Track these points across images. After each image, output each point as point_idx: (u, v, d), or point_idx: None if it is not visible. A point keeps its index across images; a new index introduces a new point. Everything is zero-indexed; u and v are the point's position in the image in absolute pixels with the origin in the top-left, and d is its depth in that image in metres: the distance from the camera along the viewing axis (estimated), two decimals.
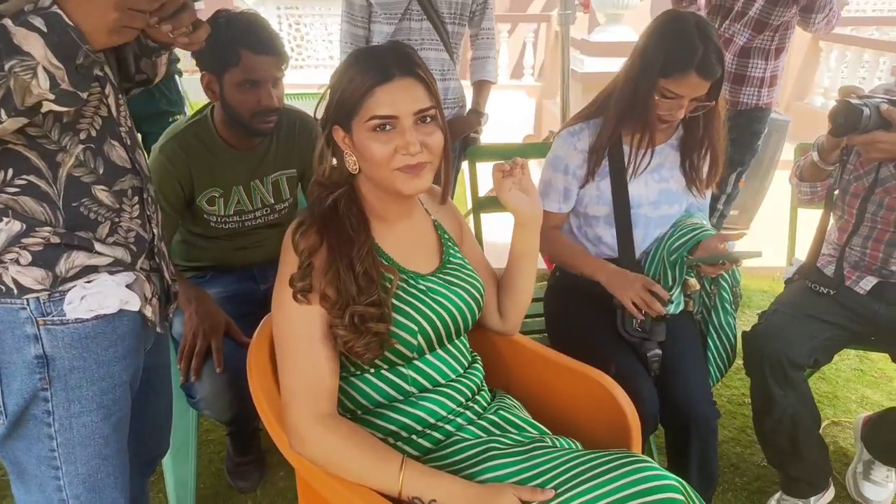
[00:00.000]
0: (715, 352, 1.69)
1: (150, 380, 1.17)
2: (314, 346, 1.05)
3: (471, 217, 2.11)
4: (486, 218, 2.13)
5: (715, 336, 1.69)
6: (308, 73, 6.09)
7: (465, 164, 2.31)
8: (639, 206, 1.64)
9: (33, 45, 0.80)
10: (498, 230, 2.38)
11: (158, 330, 1.12)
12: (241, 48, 1.54)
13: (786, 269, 2.01)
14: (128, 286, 1.03)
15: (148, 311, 1.06)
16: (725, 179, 3.01)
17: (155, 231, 1.10)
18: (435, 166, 1.11)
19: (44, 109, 0.86)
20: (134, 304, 1.03)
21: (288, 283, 1.06)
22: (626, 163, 1.61)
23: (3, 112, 0.82)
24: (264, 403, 1.12)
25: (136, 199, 1.05)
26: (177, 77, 2.52)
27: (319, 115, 1.13)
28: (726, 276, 1.63)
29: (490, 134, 2.55)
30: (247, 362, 1.20)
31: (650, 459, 1.05)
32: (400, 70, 1.06)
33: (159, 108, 2.41)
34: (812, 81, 5.89)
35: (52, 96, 0.83)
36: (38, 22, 0.80)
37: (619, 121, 1.58)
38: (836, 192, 1.79)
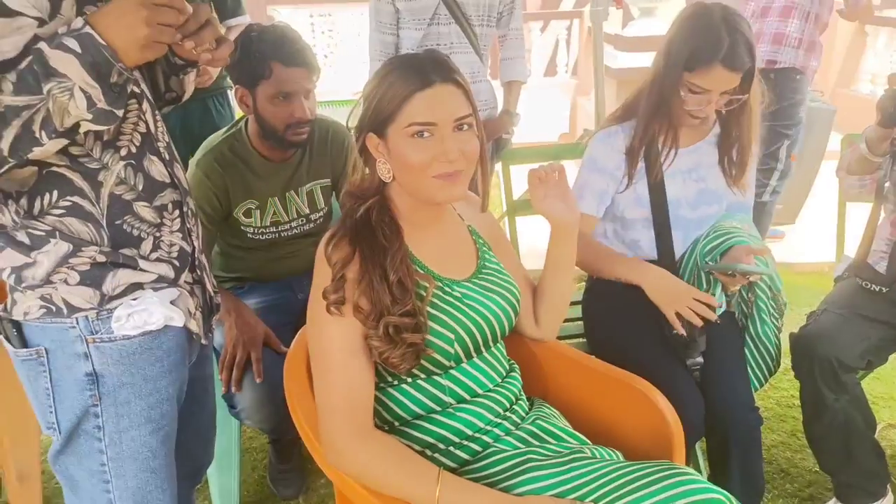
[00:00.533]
0: (752, 362, 1.63)
1: (194, 392, 1.19)
2: (349, 359, 1.05)
3: (505, 220, 2.09)
4: (521, 221, 2.11)
5: (752, 346, 1.63)
6: (341, 78, 6.14)
7: (498, 167, 2.30)
8: (677, 208, 1.60)
9: (69, 66, 0.82)
10: (533, 233, 2.36)
11: (203, 342, 1.14)
12: (272, 61, 1.56)
13: (835, 265, 1.94)
14: (172, 302, 1.05)
15: (193, 326, 1.09)
16: (775, 154, 2.95)
17: (196, 243, 1.12)
18: (470, 174, 1.10)
19: (82, 130, 0.88)
20: (178, 319, 1.05)
21: (321, 296, 1.06)
22: (660, 164, 1.57)
23: (44, 134, 0.84)
24: (301, 415, 1.12)
25: (176, 212, 1.07)
26: (228, 91, 2.57)
27: (353, 124, 1.13)
28: (762, 284, 1.57)
29: (525, 133, 2.53)
30: (284, 375, 1.21)
31: (694, 472, 1.02)
32: (439, 77, 1.05)
33: (215, 124, 2.46)
34: (858, 67, 5.67)
35: (89, 116, 0.85)
36: (72, 44, 0.82)
37: (649, 120, 1.54)
38: (887, 184, 1.71)
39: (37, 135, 0.84)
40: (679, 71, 1.46)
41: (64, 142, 0.89)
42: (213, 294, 1.18)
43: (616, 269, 1.60)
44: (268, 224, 1.78)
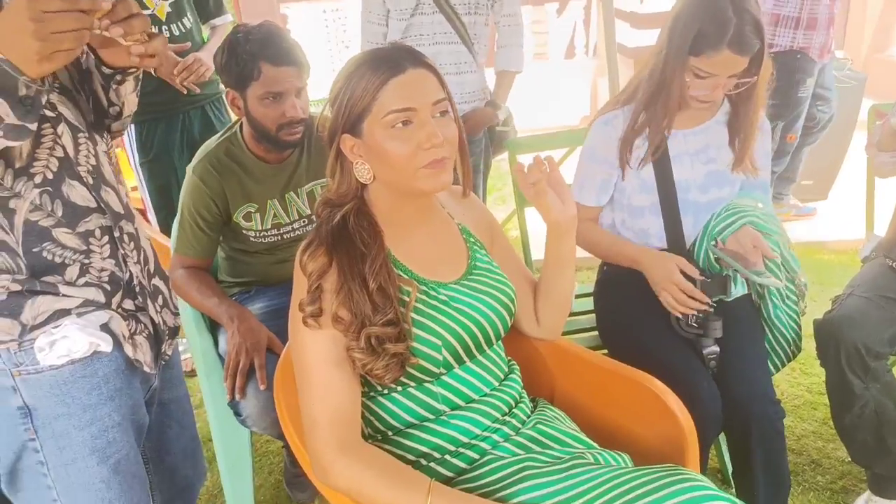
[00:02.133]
0: (768, 346, 1.56)
1: (171, 414, 1.16)
2: (330, 372, 1.01)
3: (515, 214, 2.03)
4: (531, 213, 2.04)
5: (766, 330, 1.56)
6: None
7: (504, 159, 2.23)
8: (686, 191, 1.52)
9: None
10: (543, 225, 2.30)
11: (147, 370, 1.08)
12: (260, 61, 1.53)
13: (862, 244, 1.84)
14: (103, 326, 1.00)
15: (129, 351, 1.03)
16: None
17: (133, 270, 1.06)
18: (454, 160, 1.05)
19: None
20: (106, 345, 0.99)
21: (298, 308, 1.02)
22: (658, 146, 1.49)
23: None
24: (291, 427, 1.09)
25: (105, 238, 1.01)
26: (223, 96, 2.56)
27: (323, 130, 1.08)
28: (773, 267, 1.49)
29: (546, 117, 2.44)
30: (274, 387, 1.18)
31: (702, 477, 0.96)
32: (410, 62, 1.01)
33: (213, 129, 2.46)
34: (893, 31, 5.41)
35: None
36: None
37: (648, 105, 1.46)
38: None
39: None
40: (683, 55, 1.38)
41: None
42: (166, 320, 1.12)
43: (617, 255, 1.57)
44: (269, 227, 1.75)
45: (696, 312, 1.44)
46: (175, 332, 1.19)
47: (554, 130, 2.39)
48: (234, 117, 2.55)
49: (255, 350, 1.59)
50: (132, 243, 1.07)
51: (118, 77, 1.02)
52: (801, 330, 1.59)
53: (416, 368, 1.05)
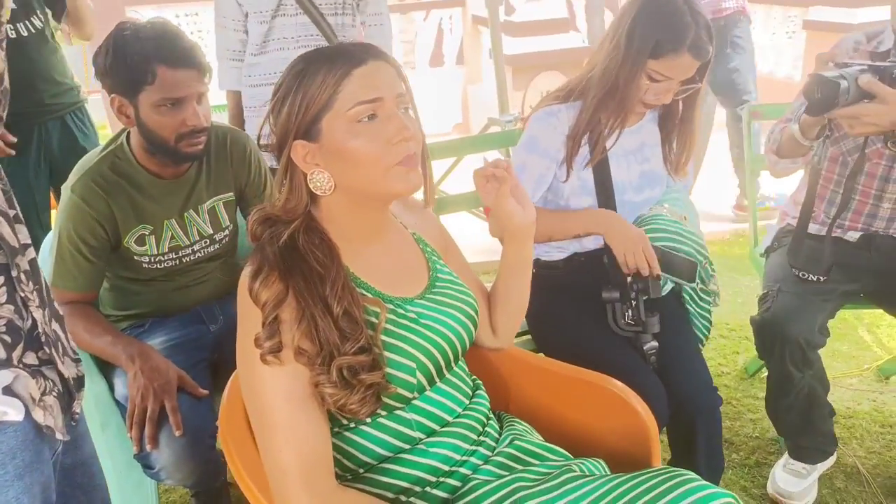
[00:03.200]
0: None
1: (75, 480, 0.96)
2: (296, 411, 0.89)
3: None
4: (444, 219, 1.99)
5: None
6: (215, 83, 5.75)
7: None
8: (623, 192, 1.54)
9: None
10: (456, 230, 2.25)
11: (59, 437, 0.88)
12: (155, 64, 1.34)
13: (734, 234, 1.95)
14: (5, 388, 0.80)
15: (39, 416, 0.84)
16: None
17: (36, 315, 0.87)
18: (420, 160, 0.97)
19: None
20: (15, 413, 0.81)
21: (254, 345, 0.89)
22: (604, 147, 1.50)
23: None
24: (248, 479, 0.95)
25: (1, 278, 0.83)
26: (85, 105, 2.26)
27: (267, 140, 0.95)
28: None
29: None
30: (220, 433, 1.02)
31: (696, 475, 0.95)
32: (371, 55, 0.93)
33: (76, 144, 2.15)
34: None
35: None
36: None
37: (598, 106, 1.46)
38: (820, 163, 1.67)
39: None
40: (643, 59, 1.38)
41: None
42: (74, 375, 0.93)
43: (570, 226, 1.54)
44: (165, 250, 1.55)
45: (631, 304, 1.46)
46: (82, 383, 0.98)
47: (429, 140, 2.36)
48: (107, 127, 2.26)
49: (165, 392, 1.39)
50: (30, 282, 0.86)
51: None
52: (710, 326, 1.66)
53: (390, 396, 0.95)
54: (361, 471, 0.99)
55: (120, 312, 1.64)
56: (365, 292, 0.98)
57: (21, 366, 0.83)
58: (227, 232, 1.65)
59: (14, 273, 0.83)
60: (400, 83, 0.95)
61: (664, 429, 1.54)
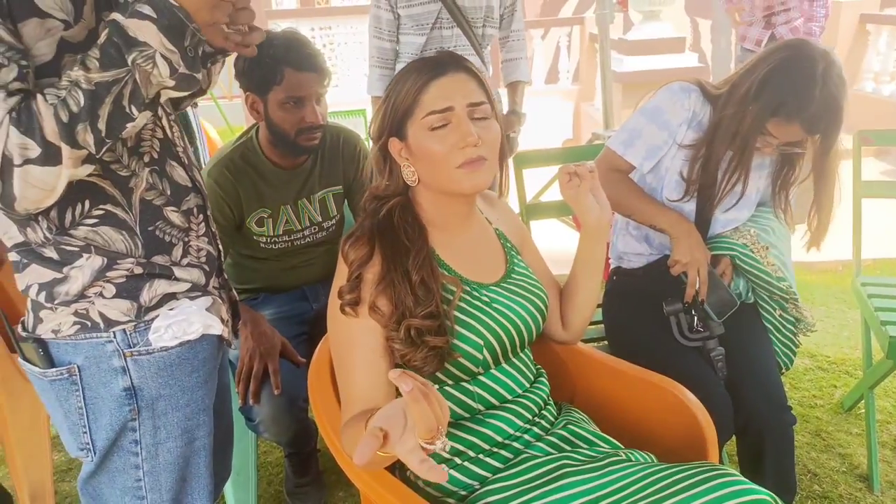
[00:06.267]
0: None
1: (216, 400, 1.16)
2: (358, 360, 1.03)
3: None
4: (535, 225, 2.08)
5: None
6: (343, 91, 6.16)
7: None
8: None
9: (147, 33, 0.80)
10: (548, 237, 2.34)
11: (232, 349, 1.12)
12: (283, 66, 1.54)
13: (851, 263, 1.88)
14: (207, 310, 1.02)
15: (225, 333, 1.07)
16: None
17: (220, 247, 1.11)
18: (493, 164, 1.08)
19: (162, 98, 0.87)
20: (216, 328, 1.03)
21: (337, 295, 1.03)
22: (716, 189, 1.51)
23: (133, 108, 0.83)
24: (328, 427, 1.09)
25: (200, 216, 1.05)
26: (190, 110, 2.55)
27: (372, 132, 1.11)
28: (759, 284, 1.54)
29: (528, 140, 2.52)
30: (308, 384, 1.18)
31: (735, 472, 0.99)
32: (451, 66, 1.05)
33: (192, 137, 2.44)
34: (861, 67, 5.66)
35: (171, 83, 0.84)
36: (146, 9, 0.80)
37: (720, 139, 1.46)
38: None
39: (127, 110, 0.83)
40: (765, 114, 1.38)
41: (149, 115, 0.88)
42: (236, 298, 1.16)
43: (652, 214, 1.54)
44: (280, 233, 1.75)
45: (694, 314, 1.49)
46: (237, 307, 1.21)
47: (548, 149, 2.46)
48: (227, 124, 2.54)
49: (269, 355, 1.58)
50: (214, 224, 1.11)
51: (217, 57, 1.03)
52: (794, 355, 1.62)
53: (457, 366, 1.06)
54: None
55: (239, 286, 1.85)
56: (446, 272, 1.10)
57: (213, 290, 1.06)
58: (334, 221, 1.83)
59: (208, 213, 1.07)
60: (477, 91, 1.06)
61: (732, 441, 1.54)
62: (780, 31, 3.70)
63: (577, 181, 1.13)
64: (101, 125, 0.81)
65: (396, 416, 0.75)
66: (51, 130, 0.79)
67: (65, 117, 0.79)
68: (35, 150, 0.79)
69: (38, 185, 0.81)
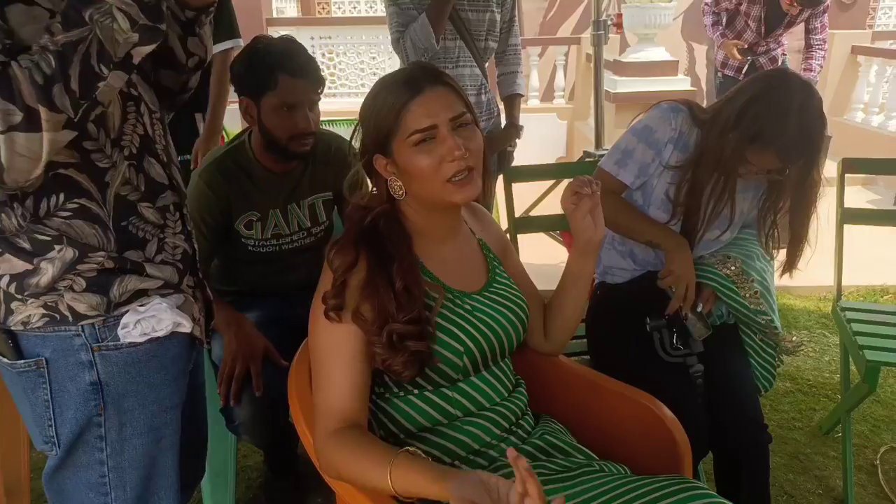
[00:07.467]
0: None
1: (187, 401, 1.16)
2: (336, 365, 1.04)
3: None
4: (522, 238, 2.10)
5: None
6: (341, 100, 6.20)
7: (499, 185, 2.30)
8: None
9: None
10: (535, 251, 2.36)
11: (206, 348, 1.14)
12: (278, 72, 1.56)
13: (832, 289, 1.91)
14: (178, 307, 1.03)
15: (196, 331, 1.07)
16: None
17: (196, 246, 1.12)
18: (480, 170, 1.09)
19: (136, 60, 0.88)
20: (186, 325, 1.04)
21: (321, 301, 1.04)
22: (701, 213, 1.53)
23: (102, 67, 0.84)
24: (305, 427, 1.10)
25: (177, 214, 1.07)
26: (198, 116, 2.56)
27: (356, 146, 1.13)
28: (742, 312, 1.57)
29: (522, 156, 2.55)
30: (287, 385, 1.18)
31: (705, 486, 1.00)
32: (428, 82, 1.06)
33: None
34: (850, 97, 5.75)
35: (135, 37, 0.85)
36: None
37: (704, 165, 1.49)
38: None
39: (97, 69, 0.84)
40: (745, 140, 1.41)
41: (125, 76, 0.88)
42: (211, 297, 1.17)
43: (645, 230, 1.56)
44: (269, 236, 1.77)
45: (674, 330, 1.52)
46: (211, 307, 1.22)
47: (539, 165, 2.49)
48: (225, 130, 2.56)
49: (252, 357, 1.59)
50: (191, 223, 1.13)
51: (202, 18, 1.04)
52: (773, 378, 1.64)
53: (437, 372, 1.08)
54: (401, 436, 1.12)
55: (225, 287, 1.86)
56: (428, 279, 1.11)
57: (186, 288, 1.06)
58: (322, 227, 1.84)
59: (184, 211, 1.09)
60: (457, 103, 1.07)
61: (709, 460, 1.56)
62: (760, 60, 3.78)
63: (577, 199, 1.14)
64: (74, 86, 0.83)
65: (479, 494, 0.81)
66: (28, 93, 0.81)
67: (39, 79, 0.81)
68: (17, 115, 0.80)
69: (25, 154, 0.82)
